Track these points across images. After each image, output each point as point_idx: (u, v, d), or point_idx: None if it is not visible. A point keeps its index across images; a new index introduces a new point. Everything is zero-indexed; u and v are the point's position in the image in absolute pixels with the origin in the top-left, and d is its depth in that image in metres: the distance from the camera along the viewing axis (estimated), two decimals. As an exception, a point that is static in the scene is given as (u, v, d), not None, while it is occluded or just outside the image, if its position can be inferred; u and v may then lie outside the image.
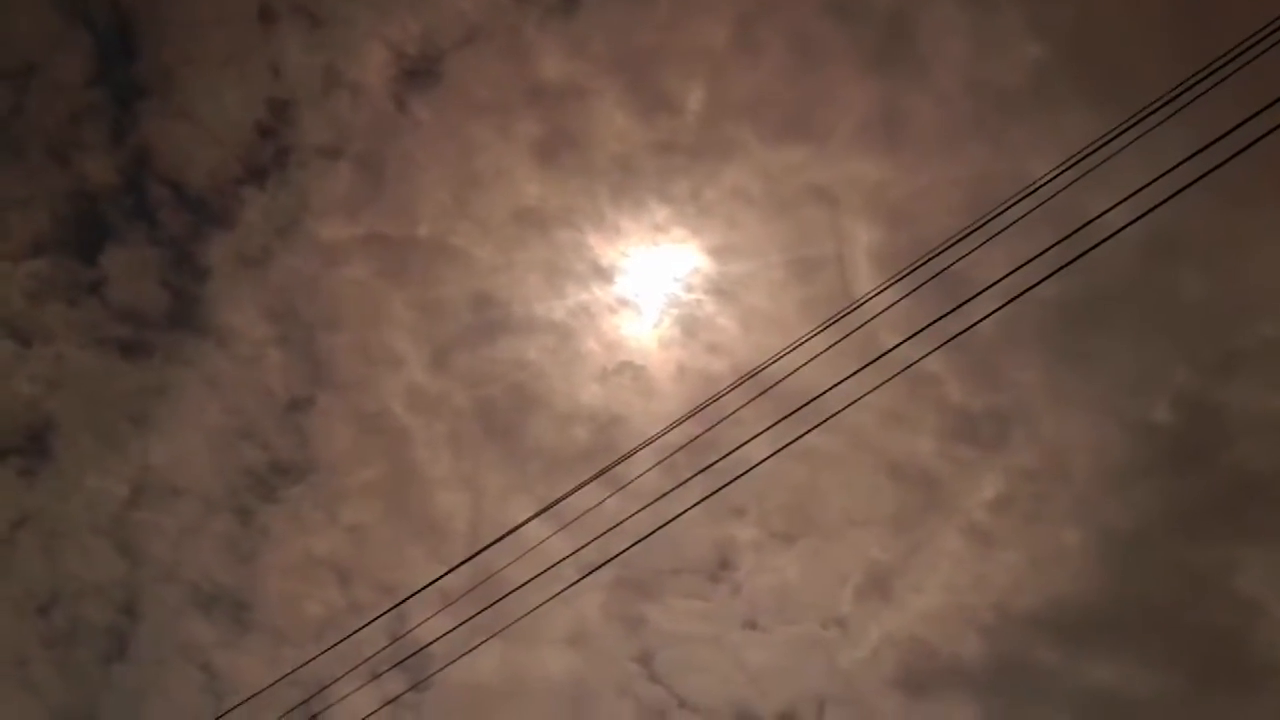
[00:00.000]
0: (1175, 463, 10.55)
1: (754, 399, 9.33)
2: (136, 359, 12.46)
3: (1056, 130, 10.66)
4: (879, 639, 11.78)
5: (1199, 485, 10.58)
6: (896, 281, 9.21)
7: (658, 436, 8.50)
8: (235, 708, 8.37)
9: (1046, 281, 10.72)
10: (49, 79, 11.91)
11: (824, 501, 10.58)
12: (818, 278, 11.49)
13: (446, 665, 8.60)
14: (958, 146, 11.01)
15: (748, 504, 11.84)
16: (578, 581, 8.27)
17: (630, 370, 11.97)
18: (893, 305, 9.07)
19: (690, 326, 11.84)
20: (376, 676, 8.47)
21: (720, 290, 11.65)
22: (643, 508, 7.93)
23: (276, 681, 8.30)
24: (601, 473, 8.33)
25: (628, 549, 7.81)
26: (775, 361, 9.74)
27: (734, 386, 8.97)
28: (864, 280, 11.21)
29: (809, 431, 7.61)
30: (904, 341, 7.70)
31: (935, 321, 7.45)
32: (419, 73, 11.78)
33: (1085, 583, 11.22)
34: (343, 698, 8.24)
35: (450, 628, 8.39)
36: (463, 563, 8.29)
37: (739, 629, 11.70)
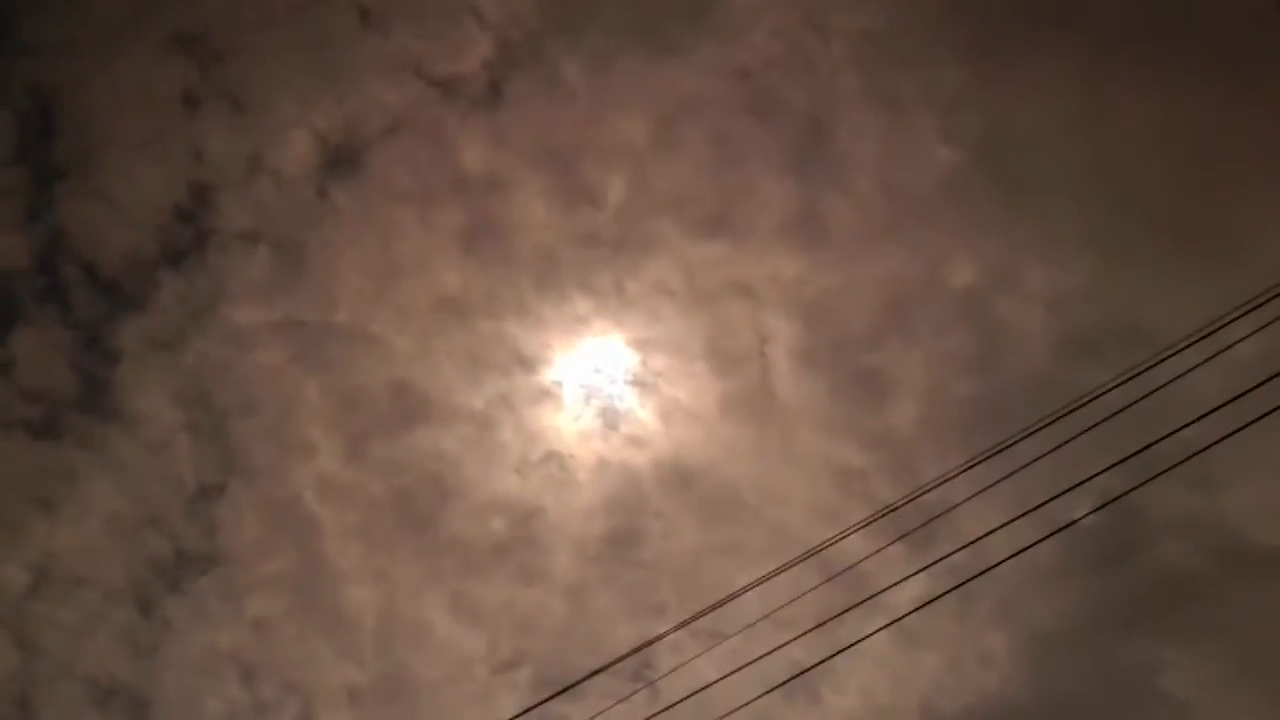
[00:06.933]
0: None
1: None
2: (44, 442, 12.06)
3: (967, 232, 10.90)
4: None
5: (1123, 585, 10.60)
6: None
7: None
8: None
9: (964, 379, 10.73)
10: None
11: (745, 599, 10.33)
12: (738, 372, 11.50)
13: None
14: (873, 247, 11.16)
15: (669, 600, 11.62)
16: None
17: (552, 461, 11.81)
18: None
19: (611, 419, 11.75)
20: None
21: (642, 383, 11.60)
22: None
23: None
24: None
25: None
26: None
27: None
28: (783, 375, 11.24)
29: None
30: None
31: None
32: (341, 161, 11.69)
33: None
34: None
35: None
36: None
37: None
